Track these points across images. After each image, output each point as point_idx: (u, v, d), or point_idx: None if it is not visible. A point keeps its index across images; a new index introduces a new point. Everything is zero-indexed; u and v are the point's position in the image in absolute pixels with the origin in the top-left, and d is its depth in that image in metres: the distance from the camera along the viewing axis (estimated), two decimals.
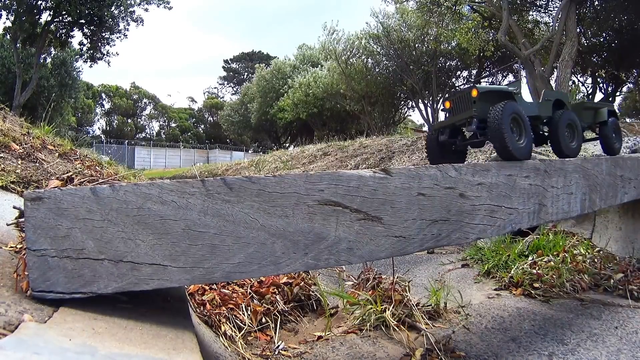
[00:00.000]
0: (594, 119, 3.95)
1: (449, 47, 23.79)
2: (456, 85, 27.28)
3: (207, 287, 2.85)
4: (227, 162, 27.29)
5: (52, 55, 25.82)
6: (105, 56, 22.25)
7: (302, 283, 3.34)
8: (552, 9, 17.10)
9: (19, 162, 3.08)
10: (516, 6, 16.45)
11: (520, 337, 2.78)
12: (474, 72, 25.51)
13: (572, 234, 4.79)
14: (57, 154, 3.58)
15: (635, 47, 16.71)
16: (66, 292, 1.43)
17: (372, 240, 1.94)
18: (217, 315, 2.61)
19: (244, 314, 2.74)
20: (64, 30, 21.12)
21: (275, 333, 2.74)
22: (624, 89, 23.32)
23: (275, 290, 3.16)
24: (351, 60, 26.01)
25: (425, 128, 25.32)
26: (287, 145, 37.86)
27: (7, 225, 2.08)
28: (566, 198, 2.87)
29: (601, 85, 21.31)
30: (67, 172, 3.03)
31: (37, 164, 3.15)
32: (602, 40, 18.64)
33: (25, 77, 21.13)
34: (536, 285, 3.69)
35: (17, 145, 3.33)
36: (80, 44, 22.06)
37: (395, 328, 2.76)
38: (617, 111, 4.57)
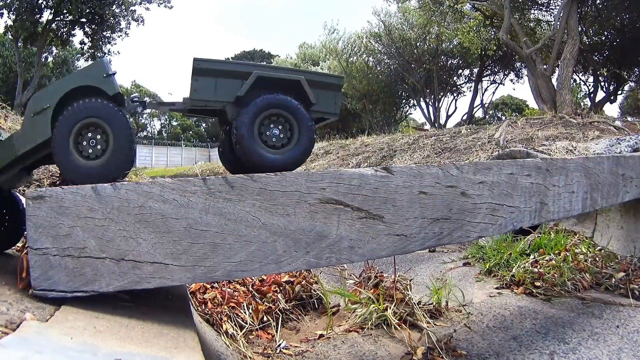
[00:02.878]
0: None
1: (451, 46, 23.78)
2: (457, 83, 27.27)
3: (208, 286, 2.86)
4: None
5: (53, 54, 25.86)
6: (106, 55, 22.24)
7: (304, 281, 3.35)
8: (553, 8, 17.07)
9: None
10: (518, 5, 16.41)
11: (522, 336, 2.78)
12: (476, 70, 25.48)
13: (573, 232, 4.78)
14: None
15: (636, 46, 16.67)
16: (68, 290, 1.43)
17: (374, 239, 1.94)
18: (219, 314, 2.61)
19: (245, 313, 2.74)
20: (65, 29, 21.10)
21: (276, 331, 2.74)
22: (626, 87, 23.25)
23: (277, 288, 3.16)
24: (352, 58, 25.99)
25: (427, 126, 25.29)
26: None
27: None
28: (568, 197, 2.86)
29: (603, 83, 21.26)
30: None
31: None
32: (603, 38, 18.61)
33: (27, 76, 21.15)
34: (537, 284, 3.68)
35: None
36: (82, 42, 22.06)
37: (397, 327, 2.76)
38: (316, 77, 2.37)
